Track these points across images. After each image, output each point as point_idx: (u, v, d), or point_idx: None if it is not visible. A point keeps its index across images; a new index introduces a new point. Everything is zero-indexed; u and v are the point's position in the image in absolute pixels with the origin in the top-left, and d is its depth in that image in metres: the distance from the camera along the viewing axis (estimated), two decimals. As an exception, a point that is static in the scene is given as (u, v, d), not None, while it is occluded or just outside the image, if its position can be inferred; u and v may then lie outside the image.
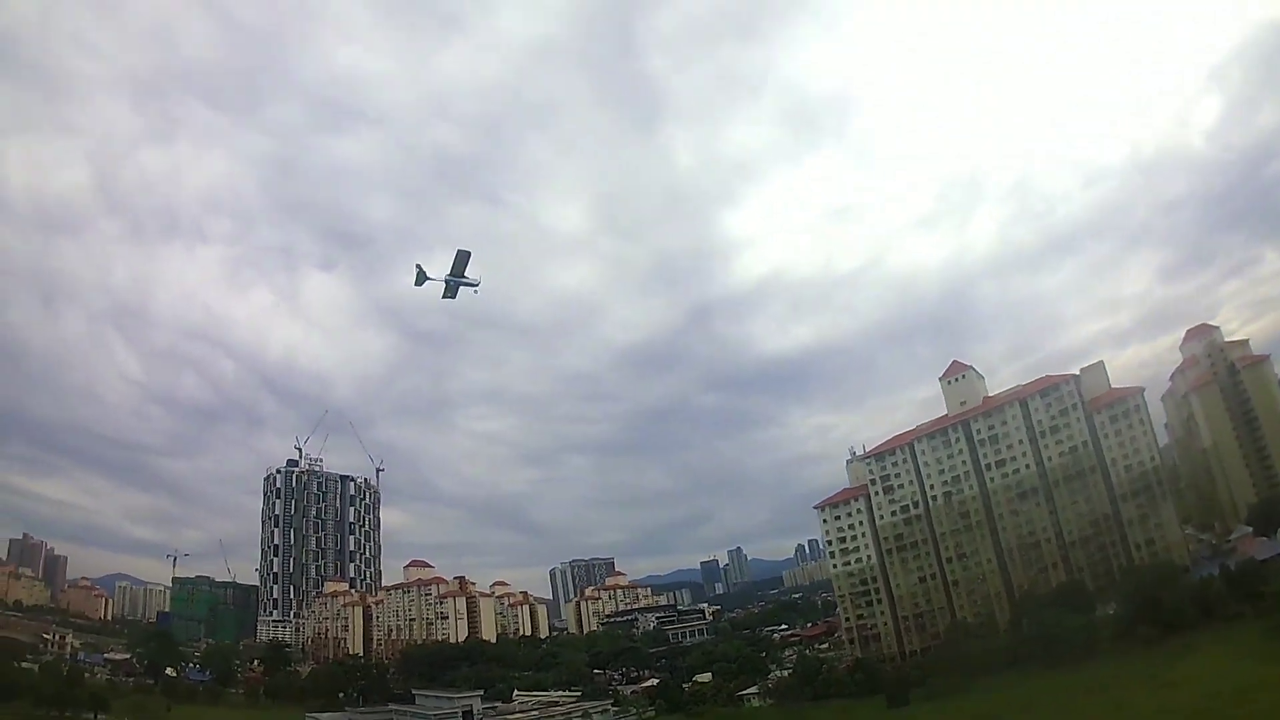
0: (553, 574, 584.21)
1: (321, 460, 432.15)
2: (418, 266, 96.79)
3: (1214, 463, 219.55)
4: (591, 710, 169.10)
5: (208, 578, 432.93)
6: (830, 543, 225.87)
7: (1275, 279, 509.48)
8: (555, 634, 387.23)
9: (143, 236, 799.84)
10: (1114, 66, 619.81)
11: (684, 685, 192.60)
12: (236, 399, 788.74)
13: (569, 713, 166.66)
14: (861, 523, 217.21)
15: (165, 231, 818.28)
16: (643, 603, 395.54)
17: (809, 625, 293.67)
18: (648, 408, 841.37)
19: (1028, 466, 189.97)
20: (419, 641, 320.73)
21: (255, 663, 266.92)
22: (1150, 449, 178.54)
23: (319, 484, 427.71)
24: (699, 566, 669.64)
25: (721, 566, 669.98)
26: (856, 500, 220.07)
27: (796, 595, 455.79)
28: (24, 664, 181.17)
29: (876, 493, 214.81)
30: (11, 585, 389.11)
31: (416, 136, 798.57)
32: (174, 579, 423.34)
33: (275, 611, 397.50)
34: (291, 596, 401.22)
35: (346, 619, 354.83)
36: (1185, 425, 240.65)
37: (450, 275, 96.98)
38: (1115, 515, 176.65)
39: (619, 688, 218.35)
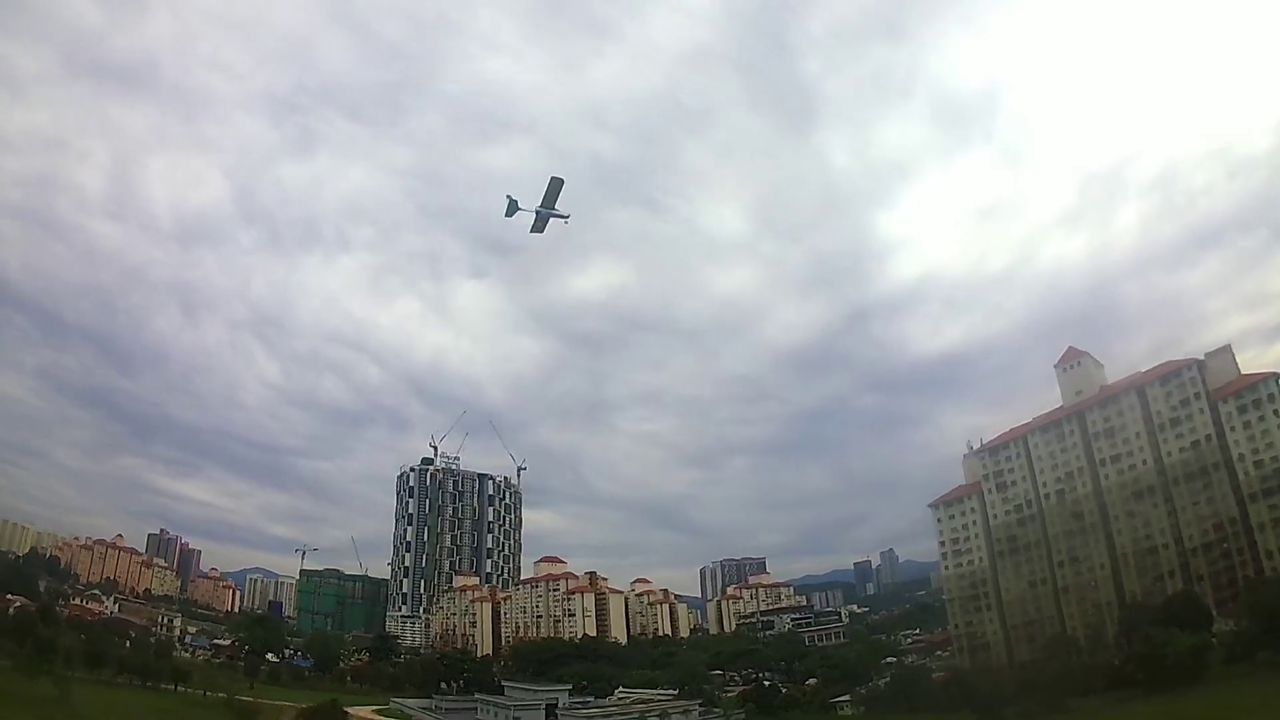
0: (702, 573, 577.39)
1: (459, 459, 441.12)
2: (508, 197, 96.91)
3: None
4: (671, 710, 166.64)
5: (336, 571, 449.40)
6: (943, 543, 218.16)
7: None
8: (694, 633, 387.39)
9: (282, 247, 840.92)
10: (1258, 51, 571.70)
11: (782, 689, 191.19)
12: (381, 403, 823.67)
13: (648, 711, 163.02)
14: (975, 522, 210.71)
15: (305, 242, 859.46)
16: (785, 603, 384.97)
17: (938, 631, 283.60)
18: (808, 409, 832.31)
19: (1145, 462, 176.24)
20: (545, 638, 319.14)
21: (362, 652, 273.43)
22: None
23: (454, 482, 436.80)
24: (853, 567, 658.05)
25: (874, 567, 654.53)
26: (970, 498, 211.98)
27: (944, 598, 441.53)
28: (123, 640, 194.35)
29: (990, 490, 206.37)
30: (143, 575, 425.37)
31: (570, 144, 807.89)
32: (301, 572, 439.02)
33: (404, 606, 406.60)
34: (422, 592, 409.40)
35: (475, 615, 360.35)
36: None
37: (541, 207, 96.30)
38: (1242, 518, 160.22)
39: (728, 691, 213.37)
